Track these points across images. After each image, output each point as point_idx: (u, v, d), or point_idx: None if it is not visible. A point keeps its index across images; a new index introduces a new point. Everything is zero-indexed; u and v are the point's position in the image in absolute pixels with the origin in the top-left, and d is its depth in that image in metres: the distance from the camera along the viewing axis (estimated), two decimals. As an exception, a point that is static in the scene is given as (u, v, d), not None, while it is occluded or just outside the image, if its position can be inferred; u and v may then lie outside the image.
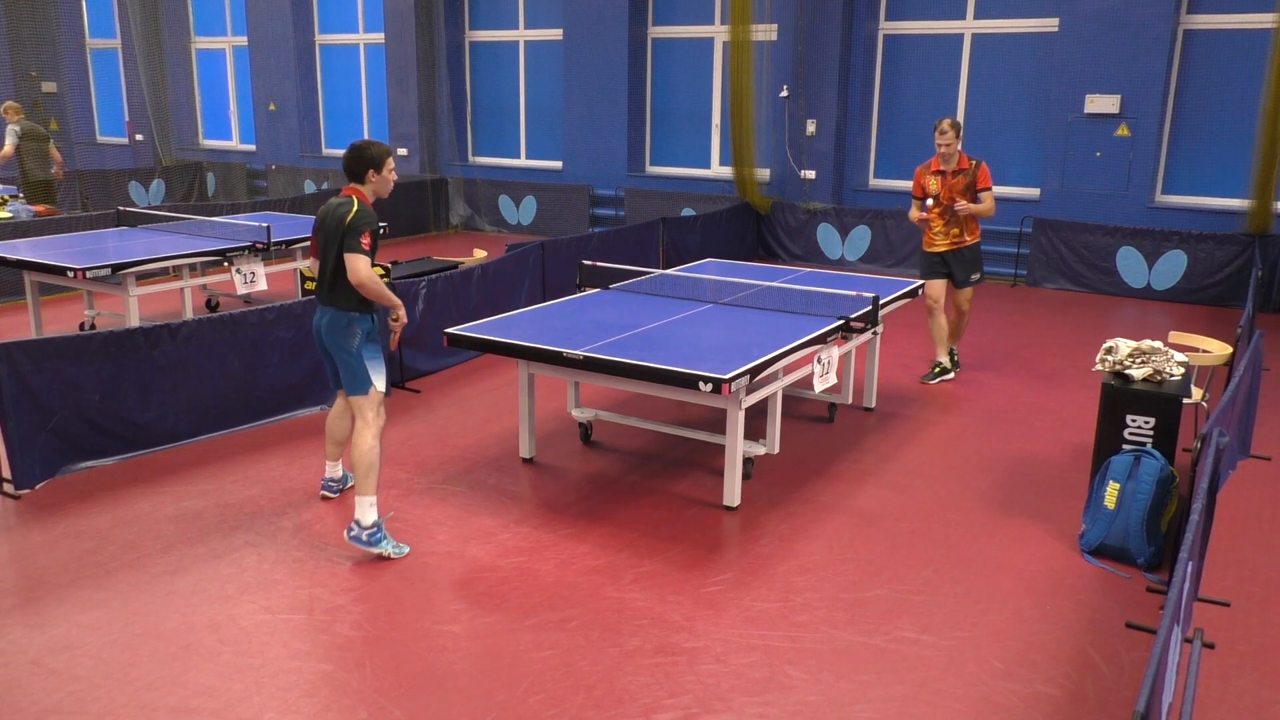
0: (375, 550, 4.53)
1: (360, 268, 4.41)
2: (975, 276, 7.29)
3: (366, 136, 15.92)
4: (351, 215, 4.44)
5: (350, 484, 5.22)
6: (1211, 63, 10.30)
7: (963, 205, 7.00)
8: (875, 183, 12.43)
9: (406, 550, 4.60)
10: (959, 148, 7.08)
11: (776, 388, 5.33)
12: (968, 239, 7.18)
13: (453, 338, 5.35)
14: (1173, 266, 10.32)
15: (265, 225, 8.66)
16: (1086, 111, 10.61)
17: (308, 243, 8.94)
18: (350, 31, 15.94)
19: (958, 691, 3.60)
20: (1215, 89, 10.33)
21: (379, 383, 4.63)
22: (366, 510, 4.53)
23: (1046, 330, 9.08)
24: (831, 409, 6.56)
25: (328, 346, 4.64)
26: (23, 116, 11.66)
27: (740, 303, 6.27)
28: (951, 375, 7.42)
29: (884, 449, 6.04)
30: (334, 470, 5.17)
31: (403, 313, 4.73)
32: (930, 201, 7.15)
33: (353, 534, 4.54)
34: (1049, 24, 10.95)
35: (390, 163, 4.64)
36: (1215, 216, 10.29)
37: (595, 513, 5.08)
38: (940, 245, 7.21)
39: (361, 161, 4.57)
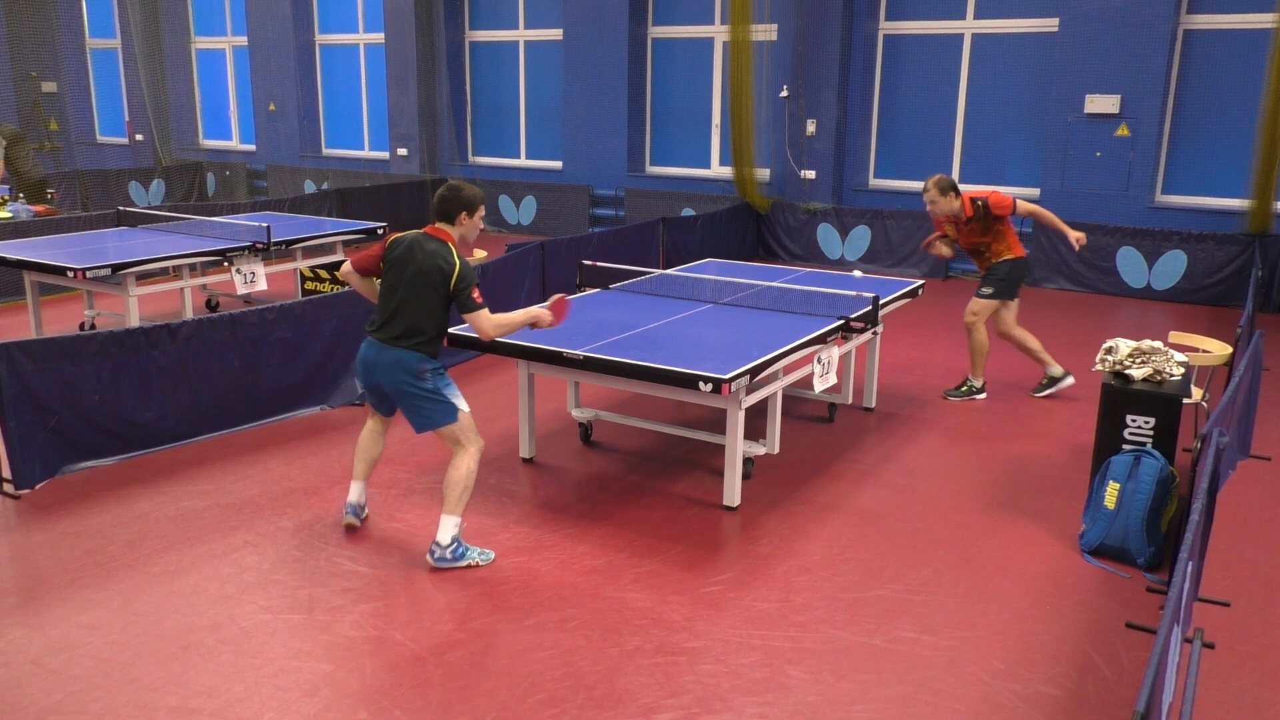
0: (463, 564, 4.44)
1: (486, 326, 4.37)
2: (986, 290, 6.89)
3: (367, 137, 16.15)
4: (457, 274, 4.30)
5: (366, 514, 4.94)
6: (1211, 63, 10.30)
7: (1078, 236, 6.81)
8: (875, 183, 12.43)
9: (492, 555, 4.53)
10: (955, 203, 6.72)
11: (776, 388, 5.33)
12: (994, 260, 6.86)
13: (453, 338, 5.34)
14: (1173, 266, 10.32)
15: (265, 225, 8.66)
16: (1086, 111, 10.61)
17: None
18: (350, 31, 15.94)
19: (958, 691, 3.60)
20: (1215, 89, 10.33)
21: (463, 404, 4.47)
22: (449, 529, 4.42)
23: (1046, 330, 9.07)
24: (831, 409, 6.56)
25: (385, 385, 4.43)
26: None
27: (740, 303, 6.27)
28: (980, 396, 7.05)
29: (884, 449, 6.04)
30: (359, 493, 4.84)
31: (544, 314, 4.57)
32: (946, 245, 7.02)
33: (436, 555, 4.42)
34: (1049, 24, 10.95)
35: (482, 209, 4.50)
36: (1215, 216, 10.29)
37: (595, 513, 5.08)
38: (980, 267, 7.05)
39: (458, 203, 4.42)
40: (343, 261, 8.72)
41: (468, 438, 4.46)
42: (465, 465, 4.43)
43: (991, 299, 6.87)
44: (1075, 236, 6.89)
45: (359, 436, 4.86)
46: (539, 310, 4.59)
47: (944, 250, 7.08)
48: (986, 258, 6.90)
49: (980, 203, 6.72)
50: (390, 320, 4.39)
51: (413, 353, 4.35)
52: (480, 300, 4.36)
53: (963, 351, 8.12)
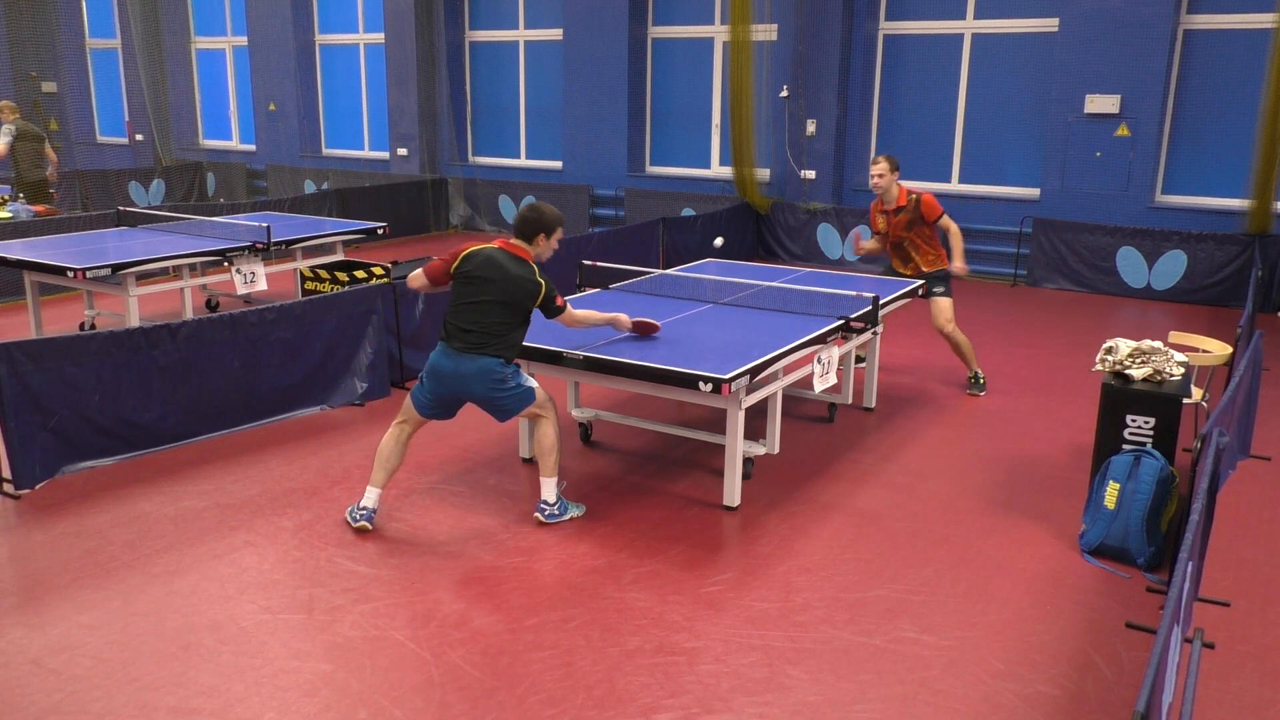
0: (566, 517, 4.92)
1: (572, 322, 4.88)
2: (938, 289, 7.01)
3: (367, 137, 16.16)
4: (544, 293, 4.62)
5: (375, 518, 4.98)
6: (1211, 63, 10.30)
7: (959, 267, 6.97)
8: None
9: (584, 509, 5.03)
10: (895, 182, 6.91)
11: (776, 388, 5.33)
12: (924, 269, 7.05)
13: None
14: (1173, 266, 10.32)
15: (265, 225, 8.66)
16: (1086, 111, 10.61)
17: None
18: (350, 31, 15.94)
19: (958, 691, 3.60)
20: (1215, 89, 10.33)
21: (532, 382, 4.79)
22: (552, 489, 4.88)
23: (1046, 330, 9.08)
24: (831, 409, 6.56)
25: (469, 392, 4.65)
26: (18, 116, 11.65)
27: (740, 303, 6.27)
28: (981, 392, 7.12)
29: (884, 449, 6.04)
30: (375, 499, 4.87)
31: (626, 319, 5.12)
32: (868, 236, 7.20)
33: (545, 513, 4.89)
34: (1049, 24, 10.95)
35: (561, 231, 4.73)
36: (1215, 216, 10.29)
37: (595, 513, 5.08)
38: (904, 273, 7.17)
39: (539, 225, 4.65)
40: (342, 261, 8.74)
41: (544, 408, 4.80)
42: (551, 432, 4.82)
43: (948, 295, 7.06)
44: (959, 266, 7.04)
45: (381, 442, 4.88)
46: (624, 316, 5.11)
47: (872, 246, 7.23)
48: (912, 260, 7.08)
49: (914, 197, 6.92)
50: (472, 331, 4.56)
51: (496, 359, 4.58)
52: (562, 302, 4.75)
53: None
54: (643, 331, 5.21)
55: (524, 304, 4.59)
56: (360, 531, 4.81)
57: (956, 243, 7.03)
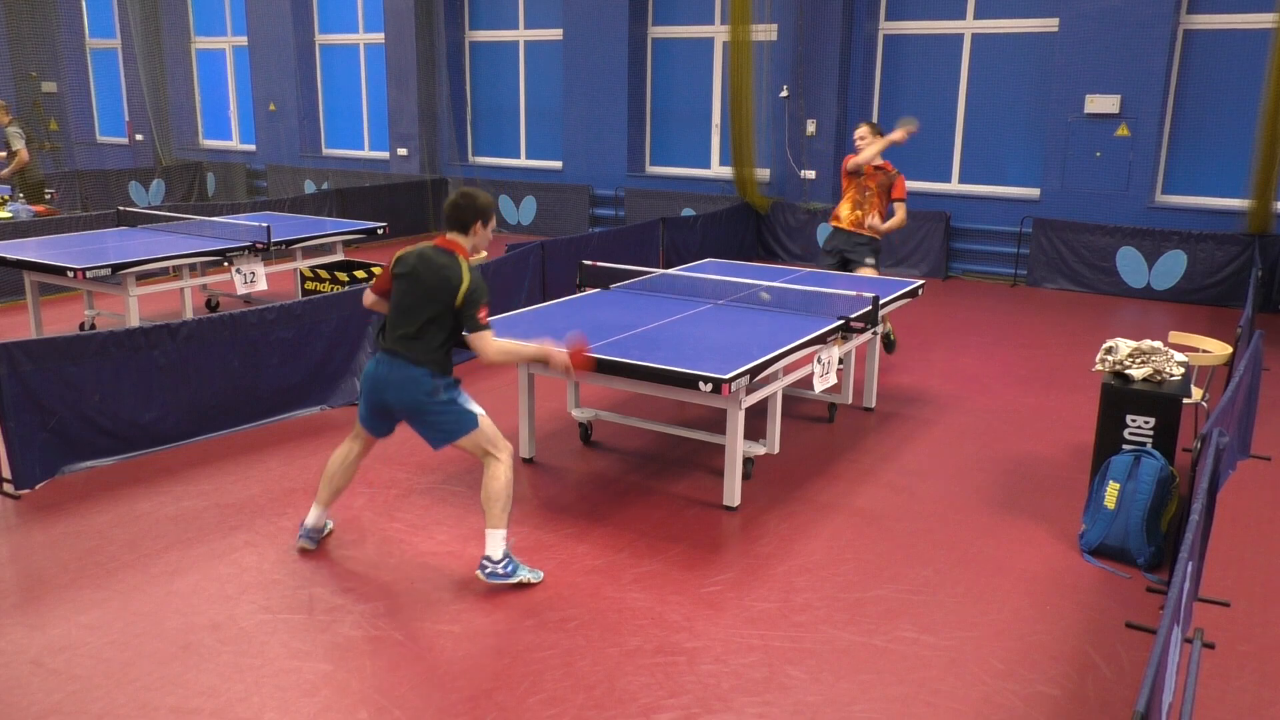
0: (514, 580, 4.27)
1: (489, 350, 4.19)
2: (869, 260, 7.54)
3: (367, 137, 16.16)
4: (465, 288, 4.09)
5: (329, 531, 4.73)
6: (1211, 63, 10.30)
7: (873, 223, 7.45)
8: (875, 183, 12.42)
9: (541, 575, 4.37)
10: (875, 150, 7.38)
11: (776, 388, 5.33)
12: (866, 225, 7.52)
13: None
14: (1173, 266, 10.33)
15: (265, 225, 8.66)
16: (1086, 111, 10.61)
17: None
18: (350, 31, 15.94)
19: (958, 691, 3.60)
20: (1215, 89, 10.33)
21: (476, 408, 4.27)
22: (499, 544, 4.25)
23: (1046, 330, 9.08)
24: (831, 409, 6.56)
25: (396, 403, 4.23)
26: (13, 117, 11.64)
27: (740, 303, 6.27)
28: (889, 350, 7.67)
29: (884, 449, 6.04)
30: (318, 518, 4.59)
31: (559, 356, 4.35)
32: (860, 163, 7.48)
33: (487, 571, 4.25)
34: (1049, 24, 10.95)
35: (494, 219, 4.33)
36: (1215, 216, 10.29)
37: (595, 513, 5.08)
38: (844, 222, 7.60)
39: (473, 211, 4.23)
40: (342, 261, 8.74)
41: (494, 444, 4.27)
42: (502, 475, 4.24)
43: (878, 267, 7.66)
44: (880, 224, 7.51)
45: (329, 457, 4.64)
46: (554, 350, 4.36)
47: (892, 225, 7.59)
48: (863, 208, 7.52)
49: (895, 171, 7.54)
50: (401, 336, 4.19)
51: (424, 370, 4.16)
52: (486, 320, 4.18)
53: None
54: (578, 361, 4.45)
55: (447, 302, 4.11)
56: (301, 553, 4.55)
57: (897, 222, 7.57)
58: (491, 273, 8.08)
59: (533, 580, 4.32)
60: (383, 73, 15.42)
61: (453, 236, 4.25)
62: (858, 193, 7.57)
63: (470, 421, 4.23)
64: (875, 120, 12.22)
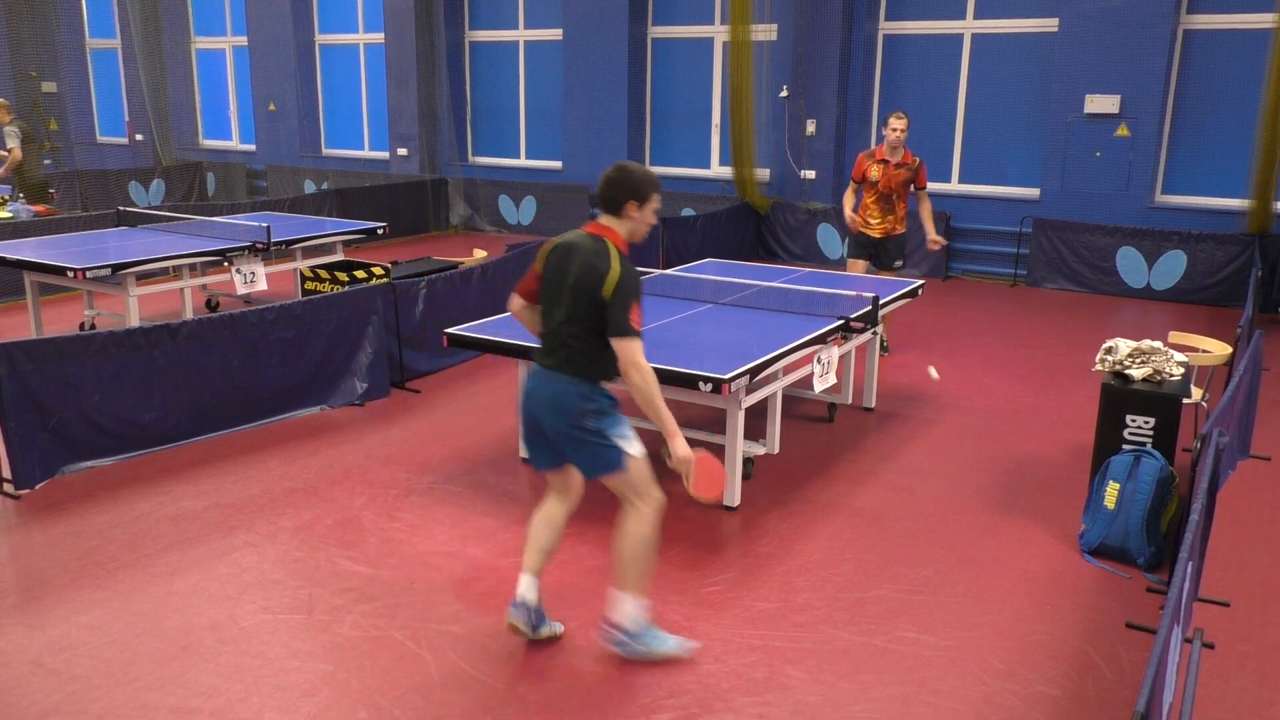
0: (659, 656, 3.65)
1: (636, 365, 3.39)
2: (898, 264, 7.99)
3: (367, 137, 16.16)
4: (614, 280, 3.41)
5: (547, 630, 3.84)
6: (1211, 63, 10.29)
7: (933, 240, 7.84)
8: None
9: (695, 646, 3.74)
10: (905, 141, 7.72)
11: (776, 388, 5.33)
12: (898, 229, 7.89)
13: (453, 338, 5.36)
14: (1173, 266, 10.32)
15: (265, 225, 8.66)
16: (1086, 111, 10.61)
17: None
18: (350, 31, 15.94)
19: (958, 691, 3.60)
20: (1215, 89, 10.33)
21: (634, 449, 3.55)
22: (632, 612, 3.59)
23: (1046, 330, 9.08)
24: (831, 409, 6.56)
25: (545, 424, 3.58)
26: (14, 116, 11.64)
27: (740, 303, 6.27)
28: (885, 353, 7.94)
29: (884, 449, 6.04)
30: (531, 589, 3.75)
31: (682, 444, 3.47)
32: (853, 208, 7.83)
33: (620, 644, 3.63)
34: (1049, 24, 10.95)
35: (657, 198, 3.56)
36: (1215, 216, 10.29)
37: (595, 513, 5.08)
38: (874, 231, 7.87)
39: (626, 188, 3.51)
40: (342, 261, 8.74)
41: (639, 491, 3.58)
42: (637, 530, 3.57)
43: (900, 269, 8.03)
44: (936, 239, 7.91)
45: (533, 517, 3.90)
46: (684, 446, 3.50)
47: (858, 218, 7.94)
48: (892, 214, 7.82)
49: (918, 160, 7.81)
50: (548, 344, 3.59)
51: (572, 384, 3.52)
52: (637, 325, 3.42)
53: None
54: (704, 482, 3.58)
55: (595, 296, 3.43)
56: (511, 630, 3.77)
57: (930, 213, 7.98)
58: (491, 273, 8.09)
59: (682, 654, 3.68)
60: (383, 73, 15.42)
61: (604, 220, 3.59)
62: (881, 200, 7.76)
63: (615, 459, 3.54)
64: (876, 118, 12.23)
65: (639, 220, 3.58)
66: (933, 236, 7.87)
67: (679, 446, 3.48)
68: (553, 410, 3.55)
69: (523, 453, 5.76)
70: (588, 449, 3.55)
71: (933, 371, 5.31)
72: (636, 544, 3.58)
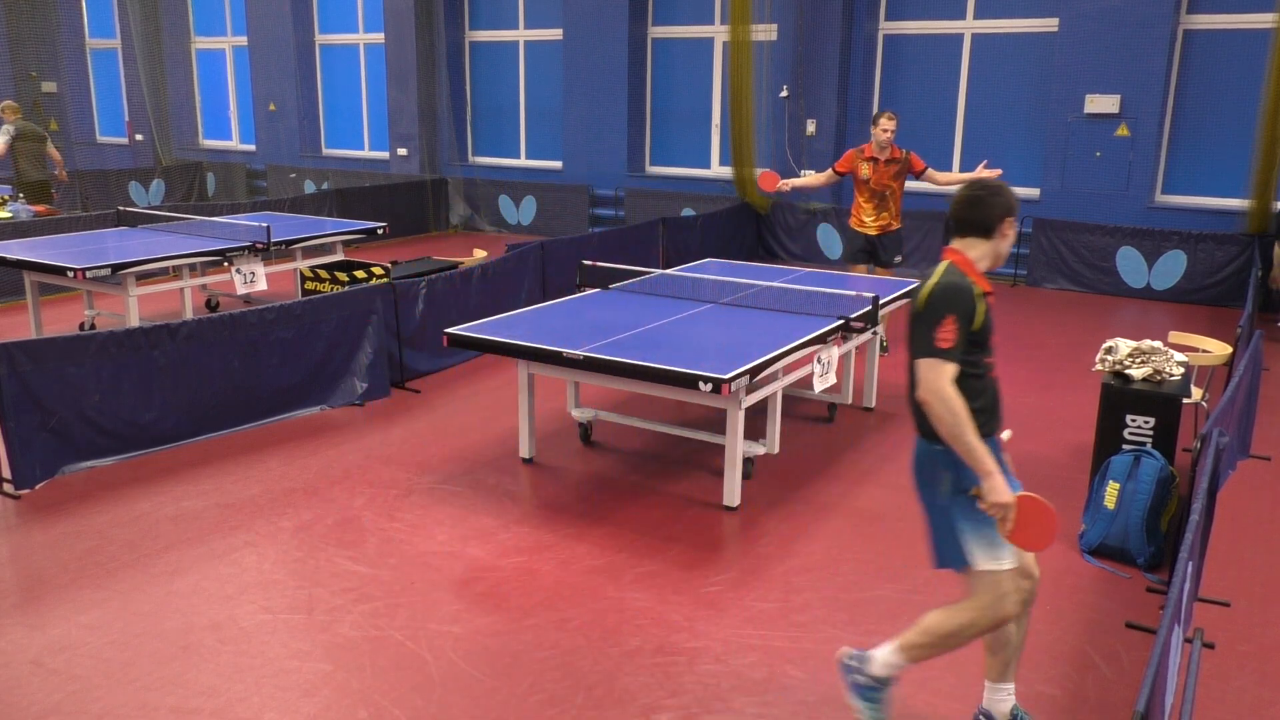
0: (857, 703, 3.25)
1: (938, 389, 2.93)
2: (898, 259, 8.04)
3: (367, 137, 16.15)
4: (929, 288, 2.97)
5: None
6: (1211, 63, 10.30)
7: (950, 176, 7.95)
8: (875, 183, 12.42)
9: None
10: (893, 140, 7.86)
11: (776, 388, 5.33)
12: (894, 225, 7.96)
13: (453, 338, 5.36)
14: (1173, 266, 10.32)
15: (265, 225, 8.66)
16: (1086, 111, 10.60)
17: (300, 242, 8.94)
18: (350, 31, 15.94)
19: (958, 691, 3.59)
20: (1215, 89, 10.33)
21: (985, 559, 3.02)
22: (888, 659, 3.19)
23: (1046, 330, 9.08)
24: (831, 409, 6.56)
25: (919, 491, 3.21)
26: (20, 116, 11.64)
27: (740, 303, 6.27)
28: (885, 352, 7.99)
29: (884, 449, 6.03)
30: (1000, 699, 3.25)
31: (998, 485, 2.94)
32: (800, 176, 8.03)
33: (851, 673, 3.26)
34: (1049, 24, 10.95)
35: (1012, 220, 3.11)
36: (1215, 216, 10.29)
37: (595, 513, 5.08)
38: (871, 228, 7.93)
39: (999, 208, 3.06)
40: (342, 261, 8.74)
41: (985, 596, 3.06)
42: (952, 621, 3.09)
43: (899, 265, 8.05)
44: (991, 169, 7.73)
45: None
46: (1008, 496, 2.96)
47: (809, 182, 8.20)
48: (887, 210, 7.89)
49: (905, 152, 7.84)
50: (911, 397, 3.13)
51: (923, 444, 3.13)
52: (946, 343, 2.92)
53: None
54: (1029, 529, 3.00)
55: (913, 325, 3.03)
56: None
57: (956, 175, 8.26)
58: (491, 273, 8.09)
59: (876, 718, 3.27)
60: (383, 73, 15.42)
61: (958, 245, 3.12)
62: (875, 197, 7.84)
63: (954, 555, 3.10)
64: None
65: (1001, 243, 3.11)
66: (989, 168, 7.29)
67: (995, 488, 2.94)
68: (917, 474, 3.17)
69: (522, 452, 5.76)
70: (936, 526, 3.14)
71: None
72: (950, 633, 3.09)
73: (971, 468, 2.97)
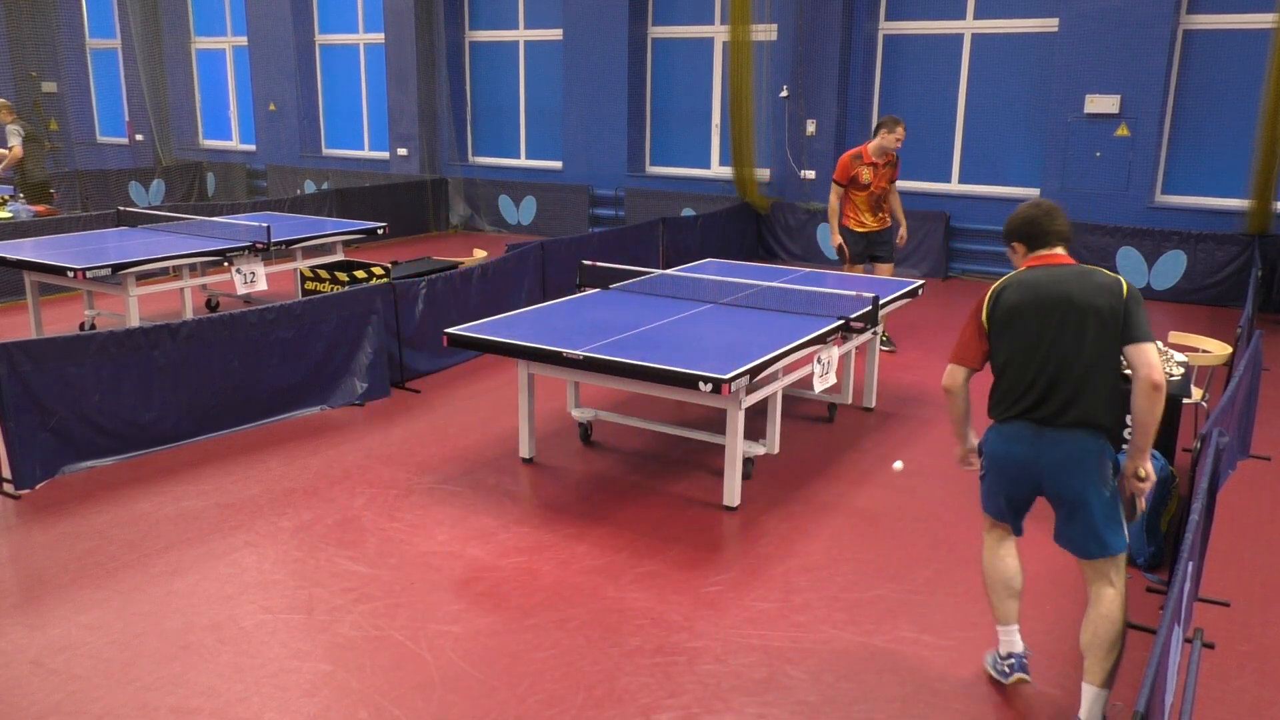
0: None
1: (1157, 372, 3.13)
2: (894, 256, 8.32)
3: (367, 137, 16.15)
4: (1128, 288, 3.20)
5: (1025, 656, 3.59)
6: (1211, 63, 10.29)
7: (902, 235, 8.32)
8: (875, 183, 12.42)
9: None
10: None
11: (776, 388, 5.33)
12: (888, 222, 8.19)
13: (453, 338, 5.36)
14: (1173, 266, 10.32)
15: (265, 225, 8.66)
16: (1086, 111, 10.60)
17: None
18: (350, 31, 15.94)
19: (958, 691, 3.59)
20: (1215, 89, 10.33)
21: (1122, 540, 3.29)
22: (1098, 703, 3.23)
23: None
24: (831, 409, 6.56)
25: (1063, 490, 3.26)
26: (16, 116, 11.64)
27: (740, 303, 6.27)
28: (892, 350, 8.21)
29: (884, 449, 6.03)
30: (1014, 638, 3.56)
31: (1146, 464, 3.23)
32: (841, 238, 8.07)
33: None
34: (1049, 24, 10.95)
35: None
36: (1215, 216, 10.29)
37: (595, 513, 5.08)
38: (871, 226, 8.07)
39: (1065, 217, 3.59)
40: (342, 261, 8.74)
41: (1123, 571, 3.31)
42: (1117, 612, 3.23)
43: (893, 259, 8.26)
44: (904, 235, 8.39)
45: (986, 562, 3.60)
46: (1142, 460, 3.25)
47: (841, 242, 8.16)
48: (883, 209, 8.08)
49: (896, 156, 8.03)
50: (1050, 392, 3.23)
51: (1094, 439, 3.21)
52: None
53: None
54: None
55: (1114, 324, 3.19)
56: (1021, 684, 3.58)
57: (899, 204, 8.26)
58: (491, 273, 8.09)
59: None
60: (383, 73, 15.42)
61: (1063, 251, 3.48)
62: (872, 199, 7.97)
63: (1116, 539, 3.25)
64: (875, 118, 12.25)
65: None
66: (904, 234, 8.37)
67: (1148, 465, 3.25)
68: (1073, 474, 3.23)
69: (522, 452, 5.76)
70: (1098, 517, 3.23)
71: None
72: (1118, 630, 3.23)
73: (1144, 449, 3.22)
